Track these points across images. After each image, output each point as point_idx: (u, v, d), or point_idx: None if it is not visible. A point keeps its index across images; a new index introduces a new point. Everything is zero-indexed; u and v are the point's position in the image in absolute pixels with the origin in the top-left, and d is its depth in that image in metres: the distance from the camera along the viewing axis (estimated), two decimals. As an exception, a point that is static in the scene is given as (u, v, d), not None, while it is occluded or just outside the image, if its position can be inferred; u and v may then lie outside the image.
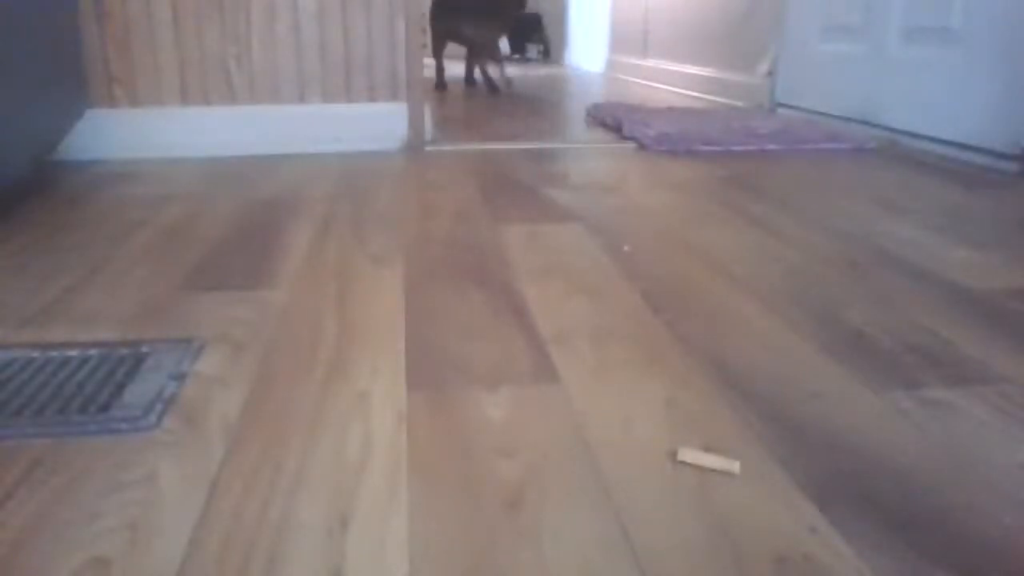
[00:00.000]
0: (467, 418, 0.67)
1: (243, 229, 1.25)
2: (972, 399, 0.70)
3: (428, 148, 2.00)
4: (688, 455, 0.60)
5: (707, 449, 0.61)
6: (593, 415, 0.67)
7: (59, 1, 1.58)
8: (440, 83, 3.67)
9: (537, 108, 2.95)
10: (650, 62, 4.03)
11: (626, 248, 1.15)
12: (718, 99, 3.13)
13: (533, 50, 6.22)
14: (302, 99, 1.94)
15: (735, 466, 0.59)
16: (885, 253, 1.14)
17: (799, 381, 0.74)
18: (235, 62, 1.90)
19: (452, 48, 3.76)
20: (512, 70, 5.07)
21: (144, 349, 0.80)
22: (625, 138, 2.16)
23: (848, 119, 2.31)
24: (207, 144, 1.91)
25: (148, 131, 1.89)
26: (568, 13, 5.67)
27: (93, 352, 0.79)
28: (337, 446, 0.62)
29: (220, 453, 0.61)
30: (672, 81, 3.71)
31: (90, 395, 0.70)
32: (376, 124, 1.98)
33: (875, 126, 2.18)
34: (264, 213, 1.36)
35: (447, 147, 2.02)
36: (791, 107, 2.65)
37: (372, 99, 1.98)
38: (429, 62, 2.70)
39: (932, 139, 1.97)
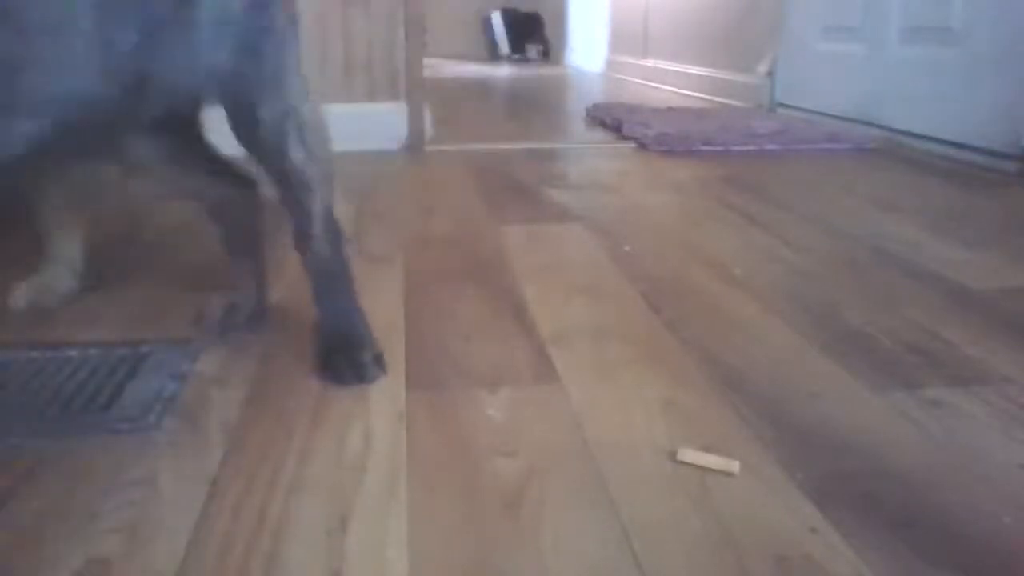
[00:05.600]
0: (467, 418, 0.67)
1: (243, 229, 1.25)
2: (972, 399, 0.70)
3: (428, 148, 2.00)
4: (688, 455, 0.60)
5: (707, 449, 0.61)
6: (593, 415, 0.67)
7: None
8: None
9: (537, 108, 2.95)
10: (650, 62, 4.03)
11: (626, 248, 1.15)
12: (718, 99, 3.13)
13: (533, 50, 6.22)
14: (302, 99, 1.94)
15: (735, 466, 0.59)
16: (885, 253, 1.14)
17: (799, 381, 0.74)
18: (235, 62, 1.90)
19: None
20: (512, 70, 5.07)
21: (144, 349, 0.80)
22: (625, 138, 2.16)
23: (848, 119, 2.31)
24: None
25: (148, 131, 1.88)
26: (568, 13, 5.67)
27: (93, 352, 0.79)
28: (337, 446, 0.62)
29: (220, 453, 0.61)
30: (672, 81, 3.70)
31: (90, 395, 0.70)
32: (376, 124, 1.97)
33: (875, 126, 2.18)
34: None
35: (447, 147, 2.02)
36: (791, 107, 2.65)
37: (372, 99, 1.97)
38: (429, 62, 2.62)
39: (932, 139, 1.97)
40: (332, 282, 0.78)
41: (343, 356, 0.74)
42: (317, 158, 0.76)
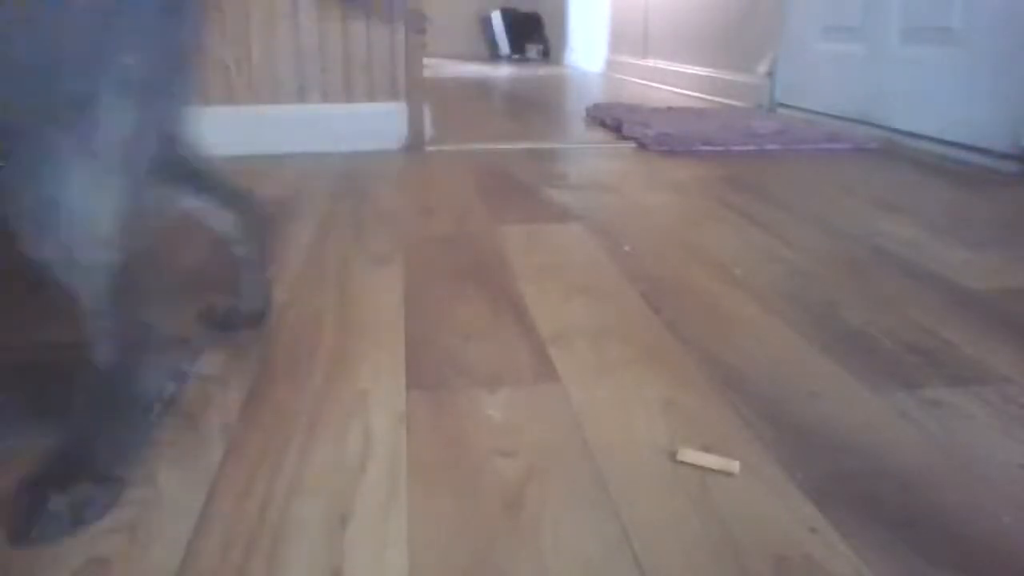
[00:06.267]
0: (467, 418, 0.67)
1: (243, 229, 1.25)
2: (972, 399, 0.70)
3: (428, 148, 2.00)
4: (688, 455, 0.60)
5: (707, 449, 0.61)
6: (593, 415, 0.67)
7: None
8: None
9: (537, 108, 2.95)
10: (650, 62, 4.03)
11: (626, 248, 1.15)
12: (718, 99, 3.13)
13: (533, 50, 6.22)
14: (302, 99, 1.94)
15: (735, 466, 0.59)
16: (885, 253, 1.14)
17: (799, 381, 0.74)
18: (235, 62, 1.90)
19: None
20: (512, 70, 5.07)
21: (144, 349, 0.79)
22: (625, 138, 2.16)
23: (848, 119, 2.31)
24: (206, 144, 1.90)
25: (148, 131, 1.88)
26: (568, 13, 5.67)
27: (93, 352, 0.78)
28: (337, 446, 0.62)
29: (220, 453, 0.61)
30: (672, 81, 3.71)
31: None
32: (376, 124, 1.97)
33: (875, 126, 2.18)
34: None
35: (447, 147, 2.02)
36: (791, 107, 2.65)
37: (372, 99, 1.98)
38: (429, 62, 2.61)
39: (932, 139, 1.97)
40: (99, 396, 0.59)
41: (33, 494, 0.54)
42: (81, 264, 0.57)
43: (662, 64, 3.85)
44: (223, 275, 1.03)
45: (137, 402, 0.61)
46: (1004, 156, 1.74)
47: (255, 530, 0.52)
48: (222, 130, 1.92)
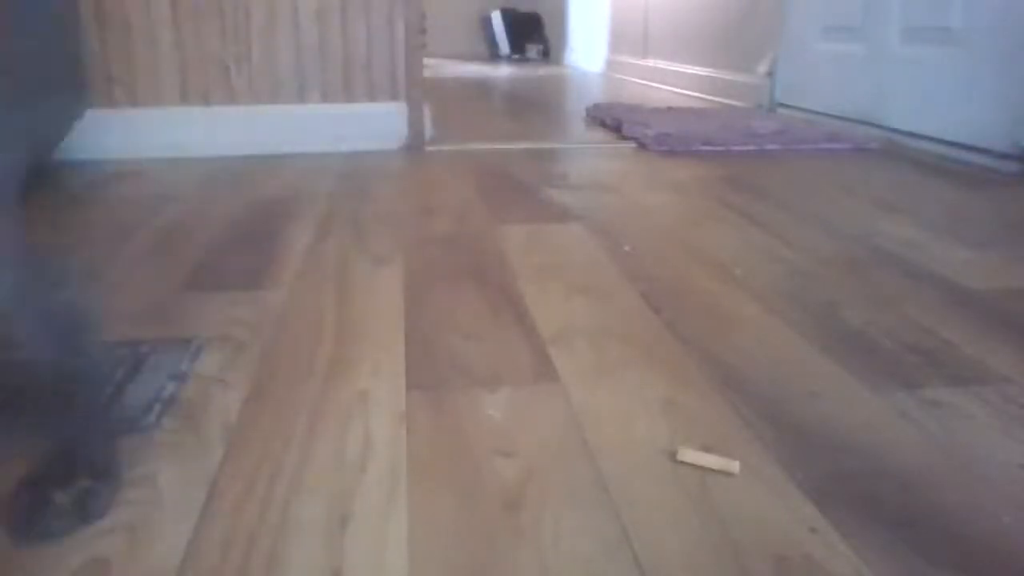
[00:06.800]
0: (467, 418, 0.67)
1: (243, 229, 1.25)
2: (972, 399, 0.70)
3: (428, 148, 2.00)
4: (688, 455, 0.60)
5: (707, 449, 0.61)
6: (593, 415, 0.67)
7: (59, 1, 1.58)
8: None
9: (537, 108, 2.95)
10: (650, 62, 4.03)
11: (626, 248, 1.15)
12: (718, 99, 3.13)
13: (533, 50, 6.22)
14: (302, 99, 1.94)
15: (734, 466, 0.59)
16: (885, 253, 1.14)
17: (799, 381, 0.74)
18: (235, 62, 1.90)
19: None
20: (512, 70, 5.07)
21: (144, 349, 0.80)
22: (625, 138, 2.16)
23: (848, 119, 2.31)
24: (207, 144, 1.90)
25: (148, 131, 1.89)
26: (568, 13, 5.67)
27: (93, 352, 0.78)
28: (337, 446, 0.62)
29: (220, 453, 0.61)
30: (672, 81, 3.70)
31: (90, 395, 0.70)
32: (376, 124, 1.97)
33: (875, 126, 2.18)
34: (264, 213, 1.35)
35: (447, 147, 2.02)
36: (791, 107, 2.65)
37: (372, 99, 1.97)
38: (429, 62, 2.60)
39: (932, 139, 1.97)
40: (71, 389, 0.58)
41: (34, 493, 0.54)
42: None
43: (662, 64, 3.85)
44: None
45: (98, 387, 0.59)
46: (1004, 156, 1.74)
47: (255, 530, 0.52)
48: (222, 130, 1.92)
